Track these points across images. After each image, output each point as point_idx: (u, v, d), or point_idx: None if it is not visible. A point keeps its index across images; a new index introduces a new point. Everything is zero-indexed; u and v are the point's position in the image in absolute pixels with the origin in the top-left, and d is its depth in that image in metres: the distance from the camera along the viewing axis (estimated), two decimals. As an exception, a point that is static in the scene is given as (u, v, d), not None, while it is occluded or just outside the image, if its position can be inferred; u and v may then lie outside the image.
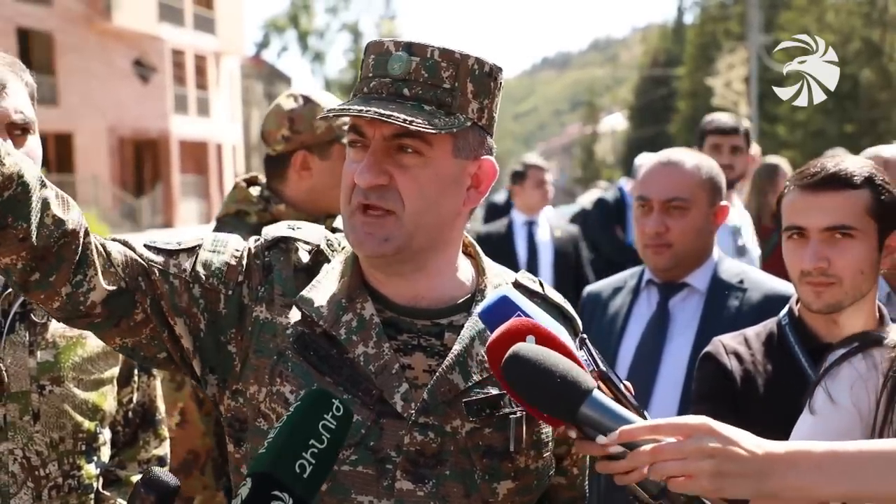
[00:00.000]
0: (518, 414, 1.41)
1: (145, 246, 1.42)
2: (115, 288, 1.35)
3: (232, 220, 2.46)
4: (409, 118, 1.32)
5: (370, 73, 1.40)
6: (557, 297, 1.55)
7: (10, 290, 1.67)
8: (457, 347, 1.41)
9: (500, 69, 1.43)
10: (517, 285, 1.50)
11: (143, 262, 1.39)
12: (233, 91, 36.82)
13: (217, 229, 2.43)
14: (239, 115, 37.97)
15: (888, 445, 1.31)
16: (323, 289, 1.43)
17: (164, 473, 1.61)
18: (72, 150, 26.36)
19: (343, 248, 1.49)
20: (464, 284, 1.48)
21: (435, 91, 1.37)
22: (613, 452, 1.25)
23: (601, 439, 1.24)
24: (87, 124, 26.53)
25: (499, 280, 1.50)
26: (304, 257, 1.46)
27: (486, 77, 1.41)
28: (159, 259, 1.41)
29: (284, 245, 1.46)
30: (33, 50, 24.43)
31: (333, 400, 1.23)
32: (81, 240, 1.32)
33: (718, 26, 41.34)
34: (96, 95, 27.08)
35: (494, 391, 1.40)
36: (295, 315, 1.41)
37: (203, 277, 1.41)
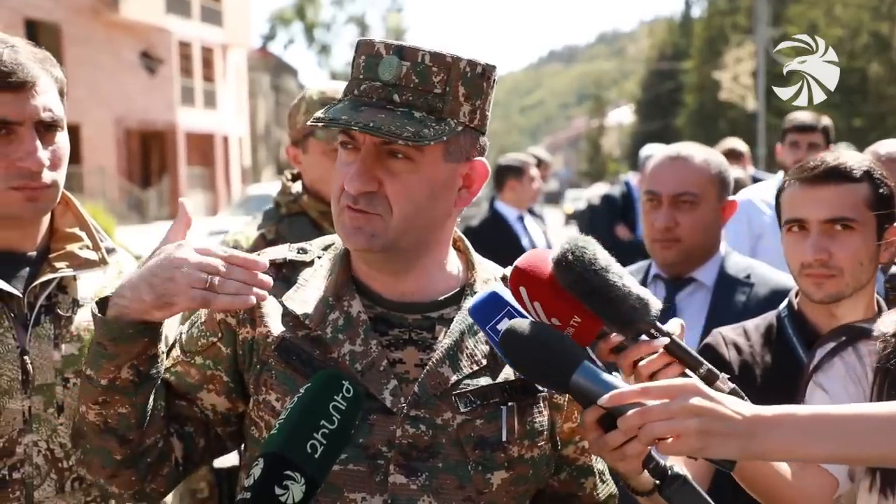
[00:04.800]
0: (510, 404, 1.42)
1: None
2: (181, 433, 1.45)
3: (270, 211, 2.65)
4: (398, 129, 1.32)
5: (360, 74, 1.39)
6: None
7: (35, 283, 1.69)
8: (447, 341, 1.42)
9: (493, 67, 1.41)
10: (506, 280, 1.50)
11: (164, 392, 1.45)
12: (239, 83, 36.77)
13: (264, 218, 2.66)
14: (245, 108, 37.91)
15: (872, 409, 1.34)
16: (309, 288, 1.45)
17: None
18: (79, 141, 26.35)
19: (330, 247, 1.52)
20: (453, 278, 1.49)
21: (426, 97, 1.36)
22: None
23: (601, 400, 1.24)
24: (94, 116, 26.55)
25: (487, 275, 1.51)
26: (277, 271, 1.48)
27: (478, 78, 1.39)
28: (163, 374, 1.46)
29: None
30: (41, 41, 23.85)
31: (343, 381, 1.26)
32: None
33: (726, 20, 41.14)
34: (103, 87, 27.08)
35: (485, 382, 1.42)
36: (276, 322, 1.43)
37: (195, 348, 1.48)
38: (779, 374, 1.95)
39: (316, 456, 1.21)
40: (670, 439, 1.22)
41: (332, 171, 1.44)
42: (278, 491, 1.19)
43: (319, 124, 1.37)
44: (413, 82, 1.36)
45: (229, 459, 2.77)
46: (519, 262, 1.37)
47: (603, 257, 1.32)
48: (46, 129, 1.67)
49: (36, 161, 1.64)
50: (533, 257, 1.37)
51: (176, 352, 1.50)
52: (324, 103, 2.43)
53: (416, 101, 1.36)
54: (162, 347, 1.41)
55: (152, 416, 1.40)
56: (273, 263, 1.49)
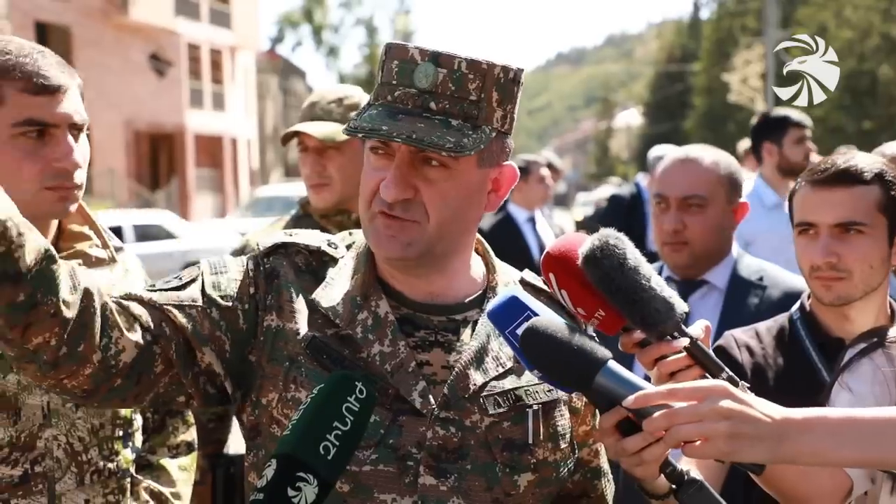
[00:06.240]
0: (535, 407, 1.42)
1: (149, 290, 1.40)
2: (143, 342, 1.32)
3: (296, 212, 2.79)
4: (440, 139, 1.31)
5: (394, 79, 1.37)
6: None
7: None
8: (474, 343, 1.42)
9: (522, 70, 1.41)
10: (524, 283, 1.51)
11: (157, 307, 1.36)
12: (248, 85, 36.88)
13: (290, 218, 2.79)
14: (254, 110, 38.03)
15: None
16: (336, 287, 1.43)
17: None
18: (88, 143, 26.53)
19: (352, 245, 1.50)
20: (476, 281, 1.49)
21: (462, 104, 1.35)
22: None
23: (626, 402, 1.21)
24: (103, 118, 26.63)
25: (507, 278, 1.50)
26: (306, 260, 1.45)
27: (510, 83, 1.38)
28: (170, 297, 1.38)
29: (283, 250, 1.45)
30: (51, 44, 24.31)
31: (356, 382, 1.25)
32: (97, 301, 1.28)
33: (735, 22, 41.11)
34: (113, 90, 27.19)
35: (510, 385, 1.42)
36: (304, 319, 1.41)
37: (218, 300, 1.39)
38: (791, 376, 1.95)
39: (329, 457, 1.21)
40: (698, 442, 1.19)
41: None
42: (291, 493, 1.19)
43: (359, 134, 1.34)
44: (449, 90, 1.34)
45: (230, 446, 2.77)
46: (551, 247, 1.37)
47: (633, 257, 1.31)
48: (77, 131, 1.72)
49: (72, 162, 1.69)
50: (566, 243, 1.36)
51: (195, 293, 1.39)
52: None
53: (452, 109, 1.34)
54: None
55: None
56: (308, 248, 1.46)
